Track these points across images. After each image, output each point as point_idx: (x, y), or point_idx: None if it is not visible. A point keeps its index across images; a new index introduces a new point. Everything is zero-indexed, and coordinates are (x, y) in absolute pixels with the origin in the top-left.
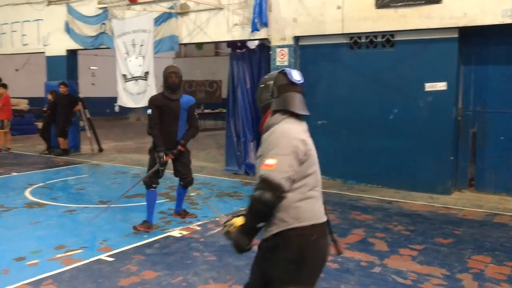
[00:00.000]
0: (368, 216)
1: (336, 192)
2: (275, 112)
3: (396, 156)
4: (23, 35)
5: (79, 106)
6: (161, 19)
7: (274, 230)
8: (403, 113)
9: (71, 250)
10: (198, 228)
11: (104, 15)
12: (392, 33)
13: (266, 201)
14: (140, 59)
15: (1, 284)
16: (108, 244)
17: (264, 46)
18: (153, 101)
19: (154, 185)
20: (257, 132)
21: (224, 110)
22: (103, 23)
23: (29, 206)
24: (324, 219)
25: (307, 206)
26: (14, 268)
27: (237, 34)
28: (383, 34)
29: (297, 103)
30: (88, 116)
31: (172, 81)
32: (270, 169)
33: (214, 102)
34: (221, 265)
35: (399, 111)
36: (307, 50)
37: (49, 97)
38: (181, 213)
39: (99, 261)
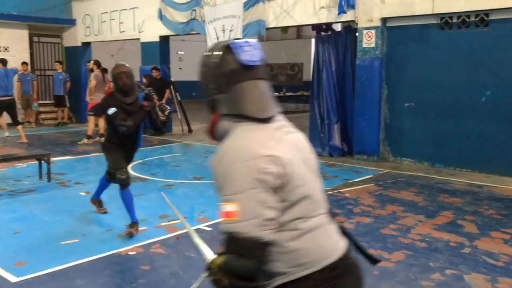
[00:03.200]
0: (457, 199)
1: (424, 175)
2: (226, 116)
3: (488, 139)
4: (121, 22)
5: (168, 93)
6: (249, 4)
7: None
8: (496, 95)
9: (173, 220)
10: None
11: (194, 2)
12: (487, 12)
13: (244, 271)
14: None
15: (118, 245)
16: (205, 215)
17: (351, 28)
18: (106, 101)
19: (129, 181)
20: (342, 114)
21: (306, 93)
22: (194, 10)
23: (132, 180)
24: (340, 250)
25: (307, 245)
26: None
27: (324, 17)
28: (477, 13)
29: (258, 100)
30: (179, 99)
31: (123, 83)
32: (233, 221)
33: (295, 85)
34: None
35: (492, 93)
36: (395, 32)
37: (144, 80)
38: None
39: (199, 230)
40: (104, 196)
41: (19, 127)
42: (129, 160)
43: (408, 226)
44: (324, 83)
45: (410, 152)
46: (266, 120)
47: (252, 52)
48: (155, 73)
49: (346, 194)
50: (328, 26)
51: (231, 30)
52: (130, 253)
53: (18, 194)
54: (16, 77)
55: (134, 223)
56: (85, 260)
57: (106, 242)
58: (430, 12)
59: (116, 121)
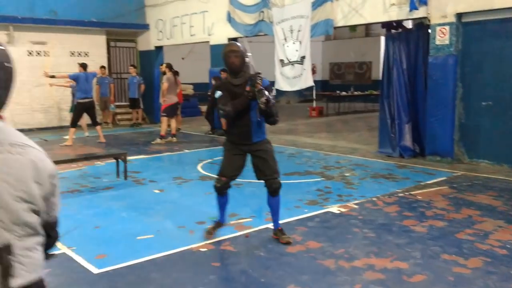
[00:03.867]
0: None
1: (503, 178)
2: None
3: None
4: (191, 26)
5: None
6: (317, 4)
7: None
8: None
9: (242, 218)
10: (356, 206)
11: (262, 4)
12: None
13: None
14: (297, 44)
15: (190, 242)
16: None
17: (422, 25)
18: (217, 84)
19: (225, 190)
20: (413, 114)
21: (374, 92)
22: (262, 11)
23: (202, 179)
24: None
25: None
26: (197, 230)
27: (394, 14)
28: None
29: None
30: None
31: (230, 62)
32: None
33: (364, 84)
34: (381, 241)
35: None
36: (471, 27)
37: (213, 82)
38: (277, 233)
39: (267, 229)
40: (175, 194)
41: (98, 127)
42: (248, 153)
43: (486, 231)
44: (395, 82)
45: (488, 153)
46: None
47: None
48: (223, 75)
49: (418, 197)
50: (399, 23)
51: (299, 30)
52: (202, 249)
53: (98, 191)
54: (95, 80)
55: (218, 223)
56: (160, 255)
57: (179, 238)
58: (511, 5)
59: (218, 105)
